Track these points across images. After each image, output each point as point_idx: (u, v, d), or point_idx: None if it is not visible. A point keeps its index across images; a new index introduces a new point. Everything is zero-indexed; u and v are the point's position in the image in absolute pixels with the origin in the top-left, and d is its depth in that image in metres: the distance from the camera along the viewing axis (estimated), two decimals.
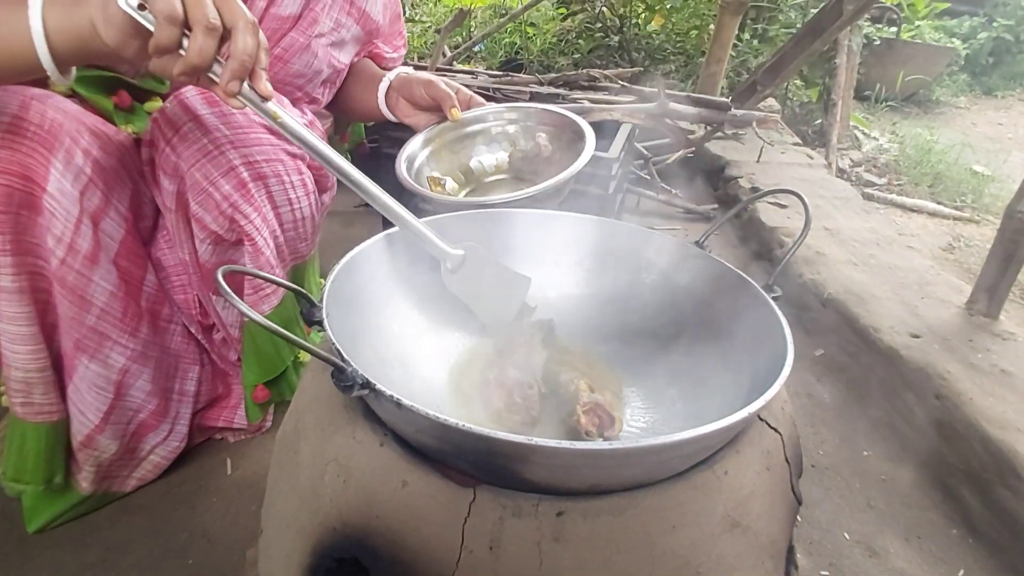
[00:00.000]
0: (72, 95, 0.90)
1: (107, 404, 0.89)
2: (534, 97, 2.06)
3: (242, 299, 0.99)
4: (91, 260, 0.84)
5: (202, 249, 0.93)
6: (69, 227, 0.80)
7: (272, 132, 0.94)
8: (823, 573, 0.96)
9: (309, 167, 1.03)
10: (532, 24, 3.70)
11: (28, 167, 0.76)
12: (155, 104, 0.99)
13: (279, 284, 0.62)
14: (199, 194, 0.88)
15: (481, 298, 0.79)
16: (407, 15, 3.67)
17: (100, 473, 0.93)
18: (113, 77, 0.93)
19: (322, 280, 1.24)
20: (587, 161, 0.97)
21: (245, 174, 0.90)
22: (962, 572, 0.98)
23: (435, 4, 3.97)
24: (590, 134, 1.01)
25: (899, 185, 2.76)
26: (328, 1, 1.06)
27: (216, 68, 0.67)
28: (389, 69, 1.20)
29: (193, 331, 1.03)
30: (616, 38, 3.43)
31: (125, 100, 0.96)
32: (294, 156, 0.98)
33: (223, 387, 1.11)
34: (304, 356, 1.10)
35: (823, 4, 2.30)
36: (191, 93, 0.88)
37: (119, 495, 0.99)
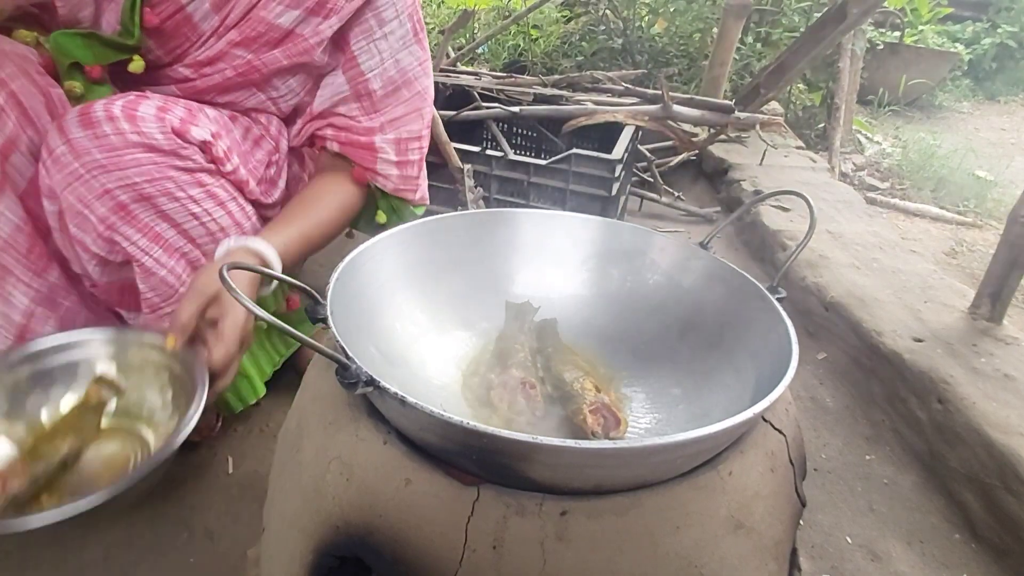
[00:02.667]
0: (37, 45, 0.90)
1: (7, 346, 0.86)
2: (538, 98, 2.06)
3: (140, 312, 0.93)
4: None
5: (91, 269, 0.90)
6: None
7: (154, 150, 0.86)
8: None
9: (226, 177, 0.95)
10: (536, 26, 3.70)
11: None
12: (138, 64, 0.95)
13: (284, 280, 0.62)
14: (75, 216, 0.85)
15: None
16: None
17: None
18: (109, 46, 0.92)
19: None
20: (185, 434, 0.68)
21: (123, 197, 0.85)
22: None
23: (439, 5, 3.98)
24: (203, 387, 0.73)
25: (902, 189, 2.76)
26: None
27: None
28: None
29: None
30: (619, 41, 3.43)
31: (95, 72, 0.93)
32: (190, 171, 0.90)
33: None
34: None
35: (827, 8, 2.30)
36: (71, 115, 0.84)
37: None
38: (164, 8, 0.94)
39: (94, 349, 0.79)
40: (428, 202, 1.18)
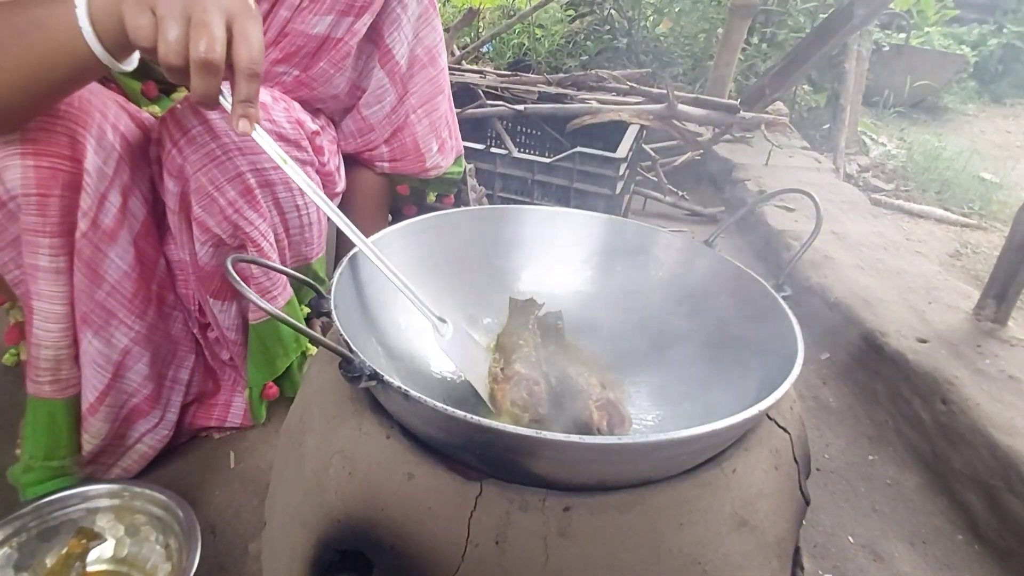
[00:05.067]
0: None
1: (104, 383, 0.88)
2: (542, 97, 2.06)
3: (232, 301, 0.99)
4: (110, 237, 0.84)
5: (202, 252, 0.92)
6: (95, 202, 0.80)
7: (281, 139, 0.94)
8: None
9: (318, 172, 1.02)
10: (540, 25, 3.69)
11: (72, 147, 0.76)
12: (182, 93, 0.99)
13: (289, 275, 0.62)
14: (203, 198, 0.88)
15: (477, 372, 0.72)
16: None
17: (89, 458, 0.92)
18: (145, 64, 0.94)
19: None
20: None
21: (252, 180, 0.90)
22: None
23: (444, 4, 3.97)
24: (196, 540, 0.80)
25: (906, 191, 2.75)
26: None
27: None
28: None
29: (190, 325, 1.03)
30: (624, 40, 3.43)
31: (152, 90, 0.96)
32: (303, 163, 0.97)
33: (212, 384, 1.10)
34: (312, 351, 1.09)
35: (833, 9, 2.29)
36: None
37: (102, 482, 0.96)
38: None
39: (95, 503, 0.87)
40: (462, 150, 1.34)
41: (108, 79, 0.92)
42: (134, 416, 0.95)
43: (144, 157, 0.89)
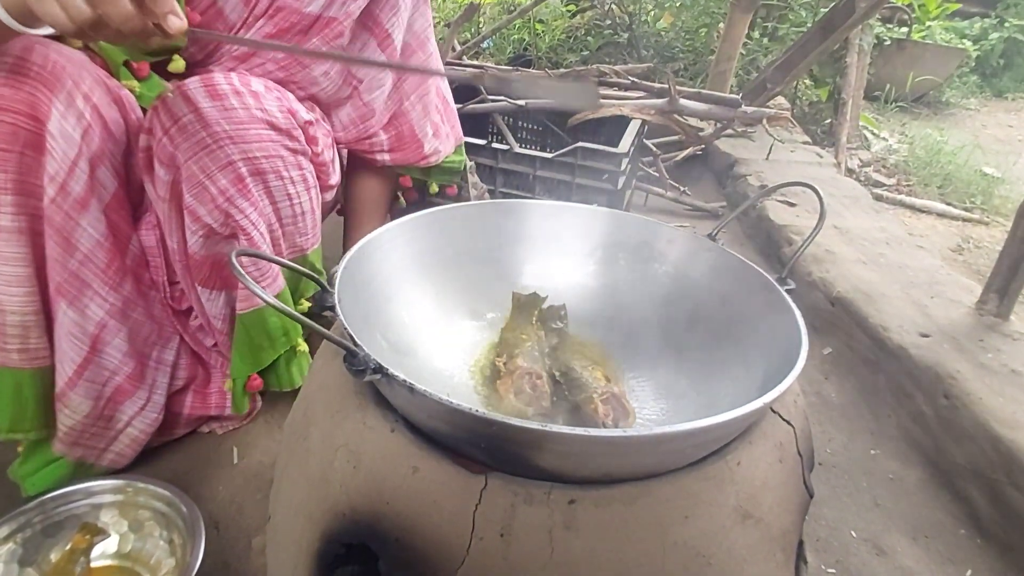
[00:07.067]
0: (84, 48, 0.90)
1: (82, 356, 0.87)
2: None
3: (238, 290, 0.99)
4: (81, 205, 0.83)
5: (193, 240, 0.92)
6: (64, 168, 0.80)
7: (273, 127, 0.93)
8: (830, 571, 0.95)
9: (311, 162, 1.02)
10: (541, 21, 3.69)
11: (33, 105, 0.76)
12: (179, 64, 0.98)
13: (292, 268, 0.62)
14: (194, 187, 0.88)
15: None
16: None
17: (72, 436, 0.91)
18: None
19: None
20: None
21: (243, 169, 0.90)
22: (970, 572, 0.97)
23: (445, 0, 3.97)
24: (201, 535, 0.81)
25: (908, 186, 2.74)
26: None
27: None
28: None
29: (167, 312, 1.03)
30: (625, 35, 3.42)
31: (144, 69, 0.96)
32: (295, 152, 0.97)
33: (203, 370, 1.09)
34: (302, 347, 1.09)
35: (834, 3, 2.29)
36: (194, 85, 0.87)
37: (99, 469, 0.96)
38: (200, 3, 0.95)
39: (99, 498, 0.87)
40: (462, 138, 1.34)
41: (92, 50, 0.92)
42: (119, 396, 0.94)
43: (116, 132, 0.89)
